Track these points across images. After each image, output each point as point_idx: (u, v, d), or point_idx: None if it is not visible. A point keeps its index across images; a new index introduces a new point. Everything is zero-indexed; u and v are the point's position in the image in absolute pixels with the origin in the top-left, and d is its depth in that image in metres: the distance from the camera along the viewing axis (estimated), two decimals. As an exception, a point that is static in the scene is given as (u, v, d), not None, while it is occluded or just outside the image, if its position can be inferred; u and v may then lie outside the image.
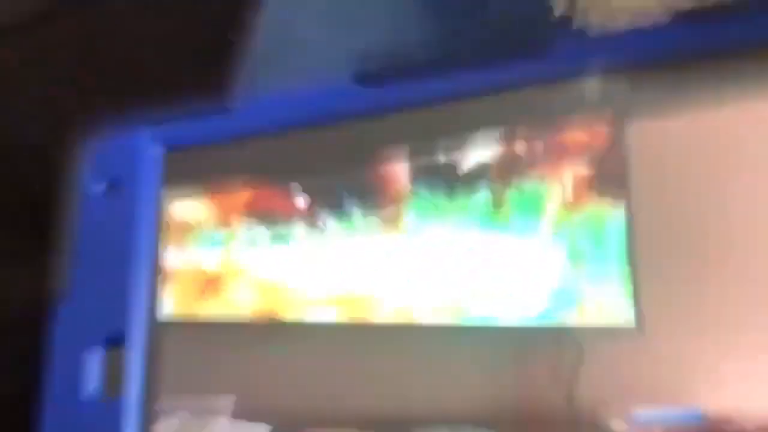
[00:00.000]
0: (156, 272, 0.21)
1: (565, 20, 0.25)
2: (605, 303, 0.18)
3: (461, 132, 0.22)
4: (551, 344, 0.17)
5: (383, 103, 0.23)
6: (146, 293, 0.21)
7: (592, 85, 0.22)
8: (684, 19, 0.22)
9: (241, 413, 0.18)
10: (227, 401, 0.18)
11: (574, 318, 0.17)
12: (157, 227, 0.22)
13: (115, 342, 0.20)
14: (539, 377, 0.16)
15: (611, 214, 0.19)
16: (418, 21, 0.28)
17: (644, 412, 0.15)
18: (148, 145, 0.23)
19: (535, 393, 0.16)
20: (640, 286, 0.18)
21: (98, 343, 0.20)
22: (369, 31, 0.28)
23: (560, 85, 0.22)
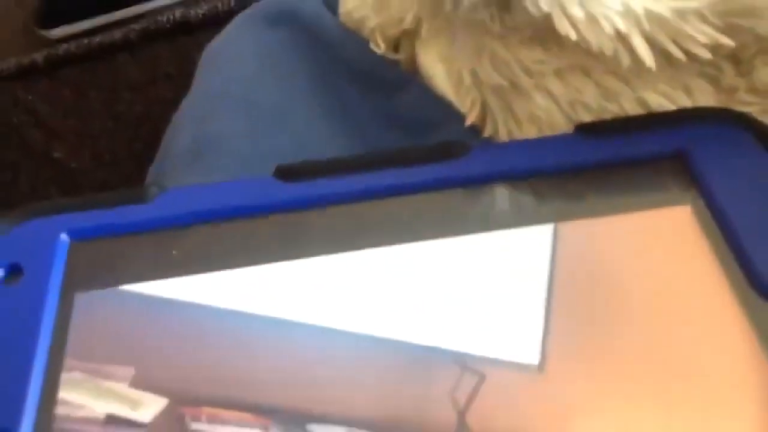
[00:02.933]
0: (52, 365, 0.20)
1: (476, 129, 0.27)
2: (513, 336, 0.18)
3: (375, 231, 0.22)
4: (454, 368, 0.17)
5: (303, 198, 0.23)
6: (41, 389, 0.19)
7: (500, 192, 0.23)
8: (586, 131, 0.24)
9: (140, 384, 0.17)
10: (126, 371, 0.17)
11: (480, 346, 0.17)
12: (58, 320, 0.21)
13: None
14: (436, 398, 0.16)
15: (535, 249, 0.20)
16: (334, 123, 0.29)
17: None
18: (54, 234, 0.22)
19: (428, 413, 0.16)
20: (551, 325, 0.18)
21: None
22: (297, 140, 0.28)
23: (471, 191, 0.23)
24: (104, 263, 0.22)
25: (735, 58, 0.24)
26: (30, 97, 0.42)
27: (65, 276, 0.22)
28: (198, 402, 0.19)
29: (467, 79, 0.26)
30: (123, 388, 0.19)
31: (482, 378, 0.19)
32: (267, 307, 0.21)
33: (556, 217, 0.22)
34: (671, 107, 0.24)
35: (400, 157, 0.24)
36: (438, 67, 0.27)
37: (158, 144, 0.32)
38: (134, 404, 0.19)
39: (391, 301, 0.21)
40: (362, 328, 0.20)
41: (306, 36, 0.31)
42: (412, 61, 0.29)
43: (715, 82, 0.25)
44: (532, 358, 0.19)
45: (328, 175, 0.23)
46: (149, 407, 0.19)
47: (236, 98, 0.30)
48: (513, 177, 0.23)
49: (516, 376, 0.19)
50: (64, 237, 0.22)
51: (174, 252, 0.22)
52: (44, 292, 0.21)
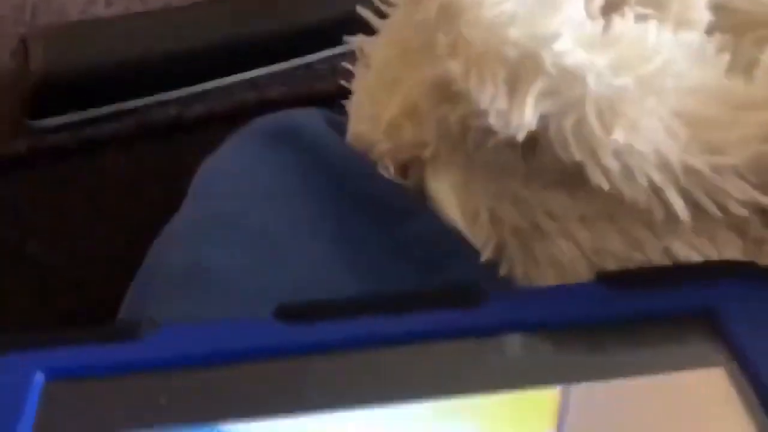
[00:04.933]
0: None
1: (493, 268, 0.25)
2: None
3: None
4: None
5: (305, 342, 0.21)
6: None
7: (518, 343, 0.22)
8: (609, 280, 0.23)
9: None
10: None
11: None
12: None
13: None
14: None
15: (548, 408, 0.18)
16: (339, 253, 0.27)
17: None
18: (29, 372, 0.20)
19: None
20: None
21: None
22: (298, 270, 0.26)
23: (485, 342, 0.22)
24: (82, 408, 0.20)
25: (763, 210, 0.23)
26: (7, 191, 0.40)
27: (37, 420, 0.19)
28: None
29: (484, 216, 0.25)
30: None
31: None
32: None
33: (574, 375, 0.21)
34: (697, 258, 0.23)
35: (414, 302, 0.22)
36: (451, 199, 0.26)
37: (140, 246, 0.30)
38: None
39: None
40: None
41: (308, 157, 0.29)
42: (421, 187, 0.28)
43: (742, 233, 0.24)
44: None
45: (333, 318, 0.22)
46: None
47: (233, 225, 0.28)
48: (531, 329, 0.22)
49: None
50: (38, 376, 0.20)
51: (161, 399, 0.20)
52: None
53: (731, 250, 0.24)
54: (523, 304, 0.23)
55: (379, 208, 0.27)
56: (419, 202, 0.27)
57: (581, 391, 0.20)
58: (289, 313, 0.22)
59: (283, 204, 0.28)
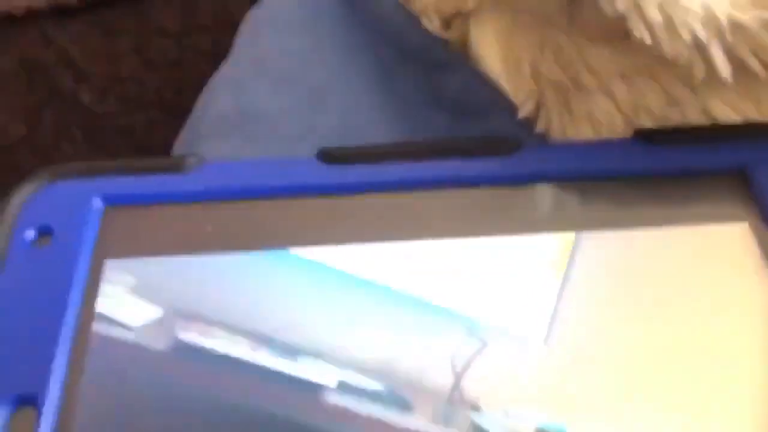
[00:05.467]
0: (81, 332, 0.19)
1: (529, 123, 0.25)
2: (520, 309, 0.19)
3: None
4: (459, 331, 0.17)
5: (344, 183, 0.22)
6: (68, 355, 0.19)
7: (546, 193, 0.22)
8: (645, 138, 0.23)
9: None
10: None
11: (488, 316, 0.18)
12: (88, 286, 0.20)
13: (27, 402, 0.18)
14: (436, 357, 0.17)
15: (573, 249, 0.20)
16: (380, 101, 0.28)
17: (516, 411, 0.17)
18: (88, 197, 0.21)
19: (426, 370, 0.17)
20: (568, 312, 0.18)
21: (7, 401, 0.18)
22: (340, 116, 0.27)
23: (519, 189, 0.22)
24: (137, 232, 0.21)
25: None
26: (62, 38, 0.41)
27: (97, 241, 0.21)
28: (192, 318, 0.19)
29: (526, 70, 0.25)
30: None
31: (484, 345, 0.19)
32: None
33: (602, 224, 0.22)
34: (738, 119, 0.23)
35: (449, 148, 0.23)
36: (493, 50, 0.26)
37: (188, 94, 0.31)
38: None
39: (412, 264, 0.21)
40: (377, 277, 0.20)
41: (353, 8, 0.29)
42: (463, 42, 0.28)
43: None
44: (538, 334, 0.19)
45: (372, 162, 0.22)
46: (141, 313, 0.20)
47: (278, 71, 0.28)
48: (564, 179, 0.22)
49: (518, 349, 0.19)
50: (97, 202, 0.21)
51: (209, 227, 0.21)
52: (75, 256, 0.20)
53: (774, 112, 0.24)
54: (557, 156, 0.23)
55: (419, 59, 0.28)
56: (460, 56, 0.28)
57: (596, 239, 0.21)
58: (331, 156, 0.22)
59: (327, 53, 0.29)
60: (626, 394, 0.19)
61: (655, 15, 0.20)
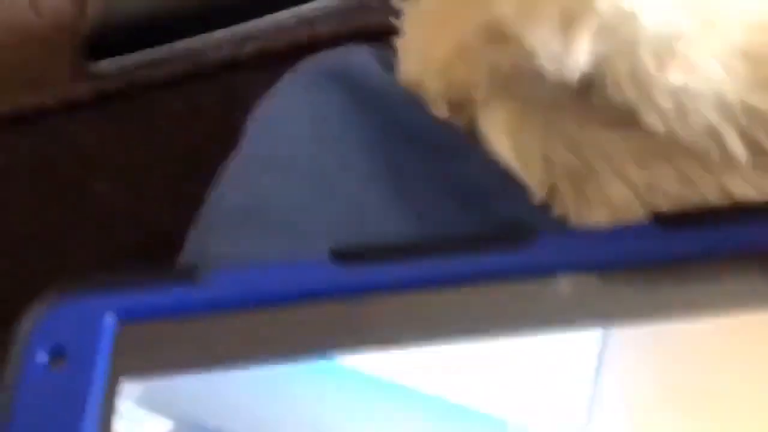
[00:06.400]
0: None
1: (545, 209, 0.25)
2: (552, 412, 0.18)
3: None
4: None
5: (360, 284, 0.22)
6: None
7: (569, 284, 0.22)
8: (664, 222, 0.23)
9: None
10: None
11: (517, 419, 0.17)
12: (104, 406, 0.20)
13: None
14: None
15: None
16: (389, 190, 0.28)
17: None
18: (101, 314, 0.21)
19: None
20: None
21: None
22: (350, 207, 0.27)
23: (538, 282, 0.22)
24: (151, 348, 0.21)
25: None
26: (71, 133, 0.41)
27: (111, 360, 0.20)
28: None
29: (536, 157, 0.25)
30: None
31: None
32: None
33: (626, 315, 0.21)
34: (757, 197, 0.23)
35: (465, 244, 0.22)
36: (503, 139, 0.26)
37: (199, 183, 0.31)
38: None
39: (437, 367, 0.20)
40: (404, 381, 0.20)
41: (359, 96, 0.29)
42: (473, 128, 0.28)
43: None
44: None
45: (387, 260, 0.22)
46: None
47: (286, 162, 0.28)
48: (583, 269, 0.22)
49: None
50: (110, 318, 0.21)
51: (225, 340, 0.21)
52: (90, 377, 0.20)
53: (793, 187, 0.23)
54: (575, 245, 0.23)
55: (429, 147, 0.28)
56: (470, 143, 0.27)
57: (626, 332, 0.21)
58: (344, 255, 0.22)
59: (335, 142, 0.29)
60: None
61: (666, 103, 0.20)
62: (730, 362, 0.20)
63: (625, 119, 0.22)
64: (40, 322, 0.21)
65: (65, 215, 0.42)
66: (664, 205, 0.23)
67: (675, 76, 0.20)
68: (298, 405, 0.19)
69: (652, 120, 0.20)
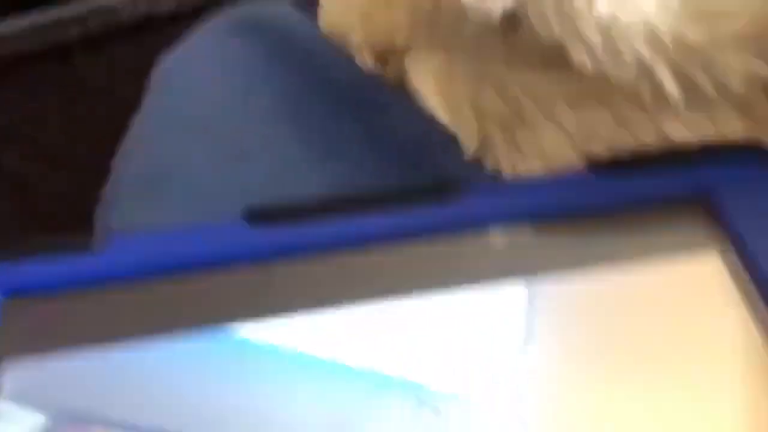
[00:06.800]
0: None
1: (476, 163, 0.24)
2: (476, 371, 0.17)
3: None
4: (408, 402, 0.16)
5: (275, 245, 0.20)
6: None
7: (501, 236, 0.21)
8: (599, 167, 0.21)
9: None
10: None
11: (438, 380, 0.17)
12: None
13: None
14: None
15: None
16: (312, 148, 0.26)
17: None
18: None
19: None
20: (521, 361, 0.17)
21: None
22: (260, 167, 0.25)
23: (466, 235, 0.21)
24: (40, 324, 0.19)
25: (765, 85, 0.22)
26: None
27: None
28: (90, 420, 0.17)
29: (466, 107, 0.23)
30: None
31: (437, 413, 0.17)
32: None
33: (561, 265, 0.20)
34: (694, 139, 0.22)
35: (389, 199, 0.21)
36: (432, 90, 0.24)
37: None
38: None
39: (355, 331, 0.19)
40: (314, 349, 0.19)
41: (279, 49, 0.27)
42: (401, 79, 0.26)
43: (744, 110, 0.22)
44: (497, 397, 0.18)
45: (306, 219, 0.20)
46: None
47: (196, 124, 0.26)
48: (516, 220, 0.21)
49: (475, 416, 0.18)
50: (-5, 294, 0.19)
51: (127, 311, 0.19)
52: None
53: (732, 129, 0.22)
54: (508, 195, 0.22)
55: (355, 100, 0.26)
56: (399, 95, 0.26)
57: (556, 283, 0.20)
58: (259, 216, 0.20)
59: (252, 98, 0.26)
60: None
61: (595, 37, 0.19)
62: (656, 312, 0.19)
63: (554, 59, 0.21)
64: None
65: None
66: (599, 150, 0.22)
67: (603, 8, 0.18)
68: (193, 384, 0.18)
69: (580, 57, 0.19)
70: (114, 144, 0.30)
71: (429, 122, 0.25)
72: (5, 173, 0.39)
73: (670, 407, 0.18)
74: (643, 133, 0.22)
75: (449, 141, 0.24)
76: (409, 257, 0.20)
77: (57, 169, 0.39)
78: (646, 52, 0.19)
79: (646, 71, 0.19)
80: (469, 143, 0.24)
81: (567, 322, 0.19)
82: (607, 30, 0.19)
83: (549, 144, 0.22)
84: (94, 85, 0.39)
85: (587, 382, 0.18)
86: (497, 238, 0.20)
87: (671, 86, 0.19)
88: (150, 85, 0.28)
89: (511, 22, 0.20)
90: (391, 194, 0.21)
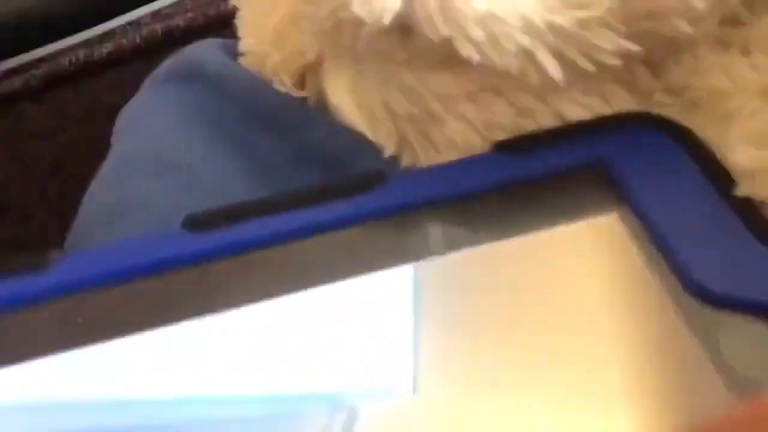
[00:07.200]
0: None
1: (395, 159, 0.26)
2: (381, 363, 0.17)
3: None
4: (323, 406, 0.16)
5: (214, 248, 0.22)
6: None
7: (412, 221, 0.22)
8: (503, 149, 0.23)
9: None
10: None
11: (348, 379, 0.16)
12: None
13: None
14: None
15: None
16: (251, 173, 0.28)
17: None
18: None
19: None
20: (419, 344, 0.17)
21: None
22: (212, 194, 0.27)
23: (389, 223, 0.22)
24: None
25: (648, 61, 0.24)
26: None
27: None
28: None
29: (380, 112, 0.25)
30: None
31: (354, 414, 0.18)
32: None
33: (469, 242, 0.22)
34: (589, 116, 0.24)
35: (315, 195, 0.23)
36: (347, 101, 0.26)
37: (74, 194, 0.31)
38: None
39: (264, 356, 0.19)
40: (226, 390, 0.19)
41: (214, 88, 0.30)
42: (320, 96, 0.28)
43: (631, 86, 0.24)
44: (404, 384, 0.18)
45: (239, 221, 0.22)
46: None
47: (150, 158, 0.29)
48: (433, 203, 0.22)
49: (390, 406, 0.18)
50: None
51: (78, 321, 0.21)
52: None
53: (622, 104, 0.24)
54: (421, 182, 0.23)
55: (282, 122, 0.28)
56: (320, 111, 0.28)
57: (463, 258, 0.21)
58: (196, 222, 0.22)
59: (195, 134, 0.29)
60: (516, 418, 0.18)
61: (477, 33, 0.21)
62: (565, 270, 0.21)
63: (449, 58, 0.23)
64: None
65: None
66: (503, 137, 0.24)
67: (479, 4, 0.20)
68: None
69: (467, 51, 0.21)
70: (67, 189, 0.31)
71: (350, 132, 0.27)
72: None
73: (561, 371, 0.18)
74: (541, 118, 0.24)
75: (370, 148, 0.26)
76: (324, 248, 0.22)
77: (9, 218, 0.40)
78: (524, 40, 0.21)
79: (530, 58, 0.21)
80: (387, 145, 0.26)
81: (454, 296, 0.21)
82: (486, 24, 0.21)
83: (457, 136, 0.24)
84: (41, 133, 0.41)
85: (490, 341, 0.19)
86: (410, 224, 0.22)
87: (553, 68, 0.21)
88: (113, 135, 0.31)
89: (404, 26, 0.22)
90: (314, 191, 0.23)
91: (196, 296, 0.21)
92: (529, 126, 0.24)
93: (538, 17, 0.21)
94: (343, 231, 0.22)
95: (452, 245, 0.22)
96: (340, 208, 0.22)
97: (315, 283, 0.21)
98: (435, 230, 0.22)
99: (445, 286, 0.21)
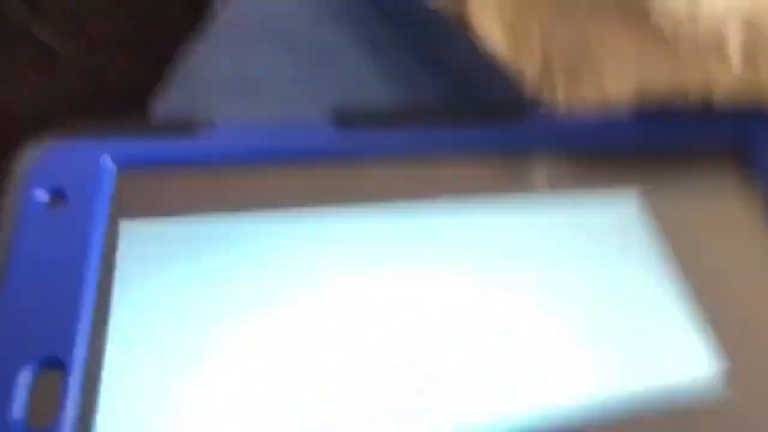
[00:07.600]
0: (101, 293, 0.19)
1: (533, 91, 0.26)
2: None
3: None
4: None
5: (359, 147, 0.22)
6: (90, 316, 0.18)
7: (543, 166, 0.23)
8: (647, 114, 0.24)
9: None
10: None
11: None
12: (106, 247, 0.19)
13: (52, 365, 0.17)
14: None
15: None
16: (386, 74, 0.28)
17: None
18: (99, 158, 0.21)
19: None
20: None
21: (32, 365, 0.17)
22: (343, 81, 0.27)
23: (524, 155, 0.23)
24: (150, 194, 0.21)
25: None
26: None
27: (111, 203, 0.20)
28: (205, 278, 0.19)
29: (530, 40, 0.25)
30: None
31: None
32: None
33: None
34: (732, 83, 0.24)
35: (458, 115, 0.23)
36: (494, 22, 0.26)
37: (154, 33, 0.30)
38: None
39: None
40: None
41: None
42: (463, 11, 0.27)
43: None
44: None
45: (386, 125, 0.22)
46: (159, 274, 0.19)
47: (278, 36, 0.28)
48: (564, 149, 0.23)
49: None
50: (109, 164, 0.21)
51: (222, 191, 0.21)
52: (91, 218, 0.20)
53: None
54: (560, 126, 0.23)
55: (420, 27, 0.28)
56: (459, 25, 0.27)
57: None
58: (344, 118, 0.22)
59: (326, 19, 0.28)
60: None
61: (681, 5, 0.21)
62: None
63: (627, 10, 0.23)
64: (37, 163, 0.20)
65: (14, 59, 0.39)
66: (654, 99, 0.24)
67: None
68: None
69: (662, 19, 0.21)
70: (148, 28, 0.30)
71: (486, 56, 0.27)
72: (41, 45, 0.39)
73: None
74: (695, 87, 0.24)
75: (505, 70, 0.26)
76: (475, 171, 0.22)
77: (89, 46, 0.40)
78: (724, 27, 0.21)
79: (718, 38, 0.21)
80: (528, 71, 0.26)
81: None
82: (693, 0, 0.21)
83: (609, 82, 0.24)
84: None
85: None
86: (543, 163, 0.23)
87: (737, 56, 0.21)
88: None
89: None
90: (459, 110, 0.23)
91: (333, 188, 0.21)
92: (681, 94, 0.24)
93: (742, 5, 0.21)
94: (476, 156, 0.22)
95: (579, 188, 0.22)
96: (482, 134, 0.22)
97: (466, 196, 0.21)
98: (559, 175, 0.22)
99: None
